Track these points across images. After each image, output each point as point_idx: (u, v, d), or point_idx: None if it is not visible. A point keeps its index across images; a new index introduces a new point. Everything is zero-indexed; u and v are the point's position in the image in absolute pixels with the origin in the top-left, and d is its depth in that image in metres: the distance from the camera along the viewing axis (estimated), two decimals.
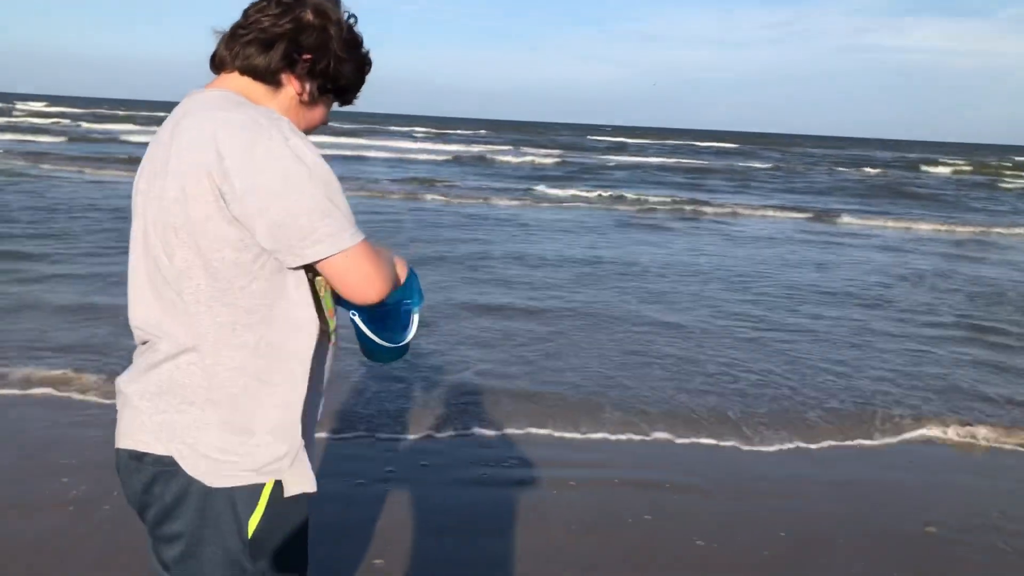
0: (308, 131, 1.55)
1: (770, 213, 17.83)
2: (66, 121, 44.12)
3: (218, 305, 1.38)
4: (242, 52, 1.46)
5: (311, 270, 1.43)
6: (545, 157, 35.46)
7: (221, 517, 1.40)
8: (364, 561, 3.14)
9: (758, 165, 38.42)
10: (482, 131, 71.29)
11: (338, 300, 1.51)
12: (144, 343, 1.46)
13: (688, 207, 17.99)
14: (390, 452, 4.23)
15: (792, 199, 21.46)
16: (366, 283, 1.39)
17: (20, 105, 66.83)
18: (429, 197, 17.43)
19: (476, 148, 39.95)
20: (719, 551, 3.38)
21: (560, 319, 6.97)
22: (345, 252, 1.35)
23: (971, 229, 16.61)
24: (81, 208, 12.24)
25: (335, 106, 1.62)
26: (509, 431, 4.56)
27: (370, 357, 1.69)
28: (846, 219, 17.31)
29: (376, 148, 33.82)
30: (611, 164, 33.89)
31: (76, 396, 4.72)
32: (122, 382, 1.49)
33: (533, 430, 4.55)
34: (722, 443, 4.54)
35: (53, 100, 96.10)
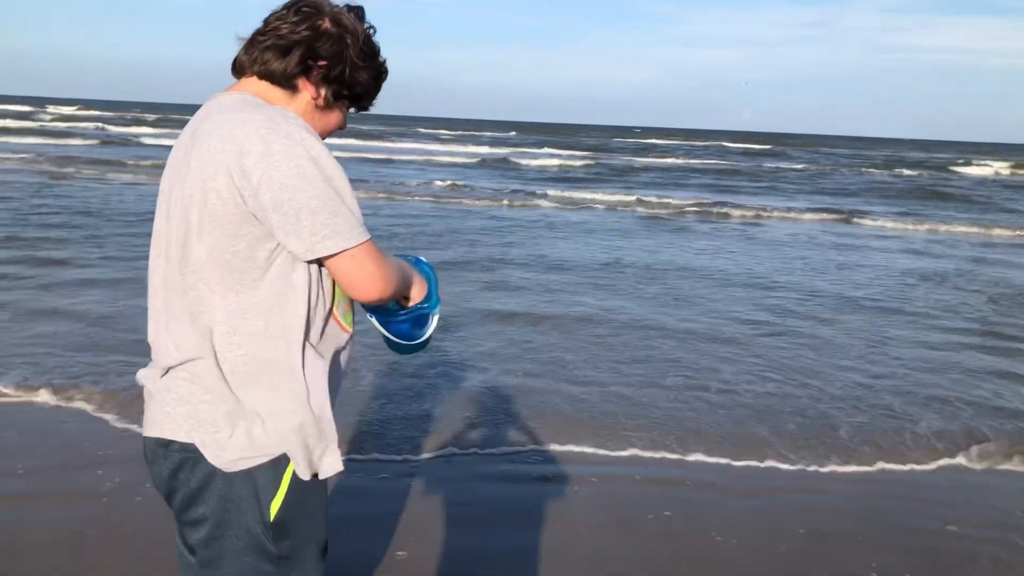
0: (324, 135, 1.61)
1: (803, 216, 17.55)
2: (94, 125, 44.89)
3: (231, 295, 1.45)
4: (260, 57, 1.53)
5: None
6: (572, 159, 35.46)
7: (244, 502, 1.47)
8: (388, 553, 3.22)
9: (788, 166, 38.09)
10: (512, 132, 71.29)
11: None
12: (161, 336, 1.52)
13: (714, 209, 17.82)
14: (412, 447, 4.30)
15: (821, 200, 21.23)
16: (368, 281, 1.46)
17: (51, 109, 67.83)
18: (454, 200, 17.54)
19: (504, 150, 40.02)
20: (737, 546, 3.41)
21: (581, 325, 6.93)
22: (351, 250, 1.43)
23: (1006, 232, 16.24)
24: (114, 211, 12.51)
25: (352, 112, 1.68)
26: (533, 430, 4.62)
27: (390, 348, 1.77)
28: (877, 221, 17.04)
29: (403, 151, 34.00)
30: (640, 166, 33.70)
31: (102, 397, 4.85)
32: (143, 376, 1.58)
33: (555, 445, 4.42)
34: (762, 464, 4.32)
35: (85, 104, 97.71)
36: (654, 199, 19.45)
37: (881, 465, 4.32)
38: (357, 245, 1.43)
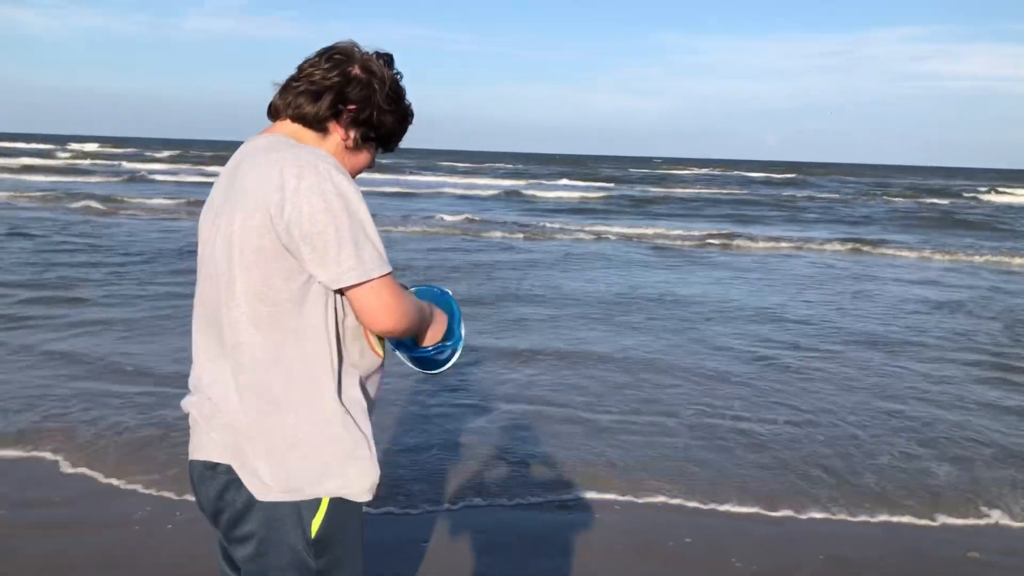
0: (354, 173, 1.72)
1: (824, 246, 17.31)
2: (112, 162, 45.82)
3: (269, 326, 1.53)
4: (294, 101, 1.63)
5: None
6: (590, 190, 35.57)
7: (287, 520, 1.56)
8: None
9: (809, 195, 37.93)
10: (529, 165, 71.24)
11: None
12: (205, 368, 1.63)
13: (733, 241, 17.54)
14: (436, 475, 4.36)
15: (842, 229, 21.06)
16: (384, 312, 1.54)
17: (74, 146, 68.76)
18: (470, 232, 17.59)
19: (521, 182, 40.19)
20: (757, 572, 3.44)
21: (597, 362, 6.75)
22: (371, 281, 1.51)
23: None
24: (137, 250, 12.72)
25: (379, 152, 1.78)
26: (556, 459, 4.66)
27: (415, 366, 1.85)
28: (900, 251, 16.75)
29: (419, 185, 34.13)
30: (659, 196, 33.48)
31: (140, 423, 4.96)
32: (188, 403, 1.68)
33: (578, 493, 4.26)
34: (801, 516, 4.07)
35: (105, 140, 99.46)
36: (672, 230, 19.30)
37: (909, 519, 4.06)
38: (378, 277, 1.51)
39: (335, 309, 1.57)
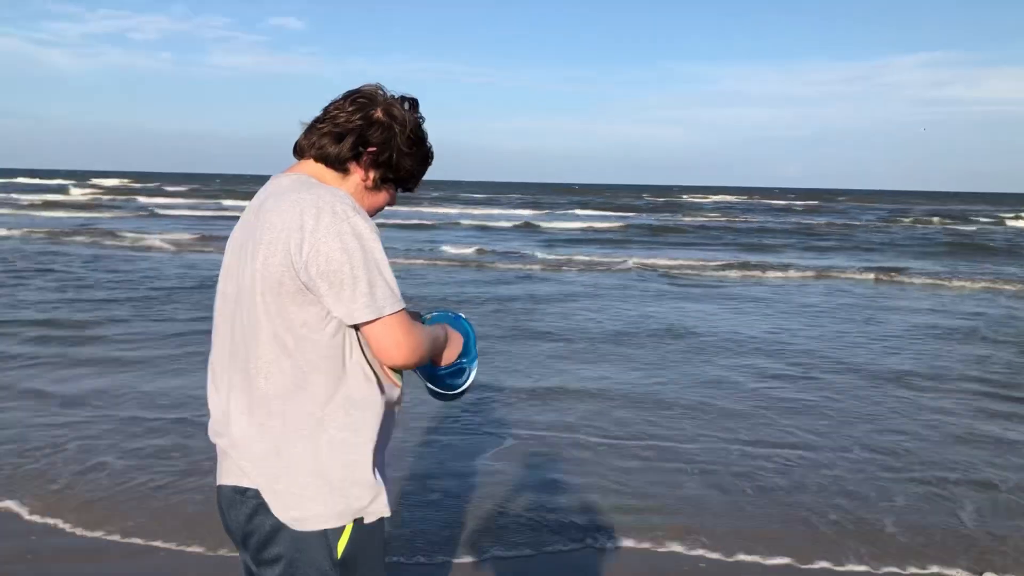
0: (373, 213, 1.76)
1: (843, 274, 17.11)
2: (135, 197, 46.55)
3: (289, 359, 1.58)
4: (318, 142, 1.70)
5: None
6: (606, 220, 35.59)
7: (314, 543, 1.61)
8: None
9: (829, 221, 37.86)
10: (544, 195, 71.42)
11: None
12: (228, 400, 1.66)
13: (752, 272, 17.21)
14: (453, 515, 4.28)
15: (862, 256, 20.96)
16: (395, 348, 1.58)
17: (96, 181, 69.83)
18: (487, 264, 17.59)
19: (535, 212, 40.34)
20: None
21: (606, 400, 6.56)
22: (384, 319, 1.56)
23: None
24: (149, 285, 12.72)
25: (398, 192, 1.81)
26: (573, 505, 4.56)
27: (430, 395, 1.89)
28: (921, 279, 16.46)
29: (433, 216, 34.11)
30: (677, 225, 33.32)
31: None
32: (214, 433, 1.72)
33: (590, 541, 4.06)
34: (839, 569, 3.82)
35: (126, 175, 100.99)
36: (687, 260, 19.14)
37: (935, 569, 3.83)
38: (390, 314, 1.56)
39: (356, 342, 1.61)
